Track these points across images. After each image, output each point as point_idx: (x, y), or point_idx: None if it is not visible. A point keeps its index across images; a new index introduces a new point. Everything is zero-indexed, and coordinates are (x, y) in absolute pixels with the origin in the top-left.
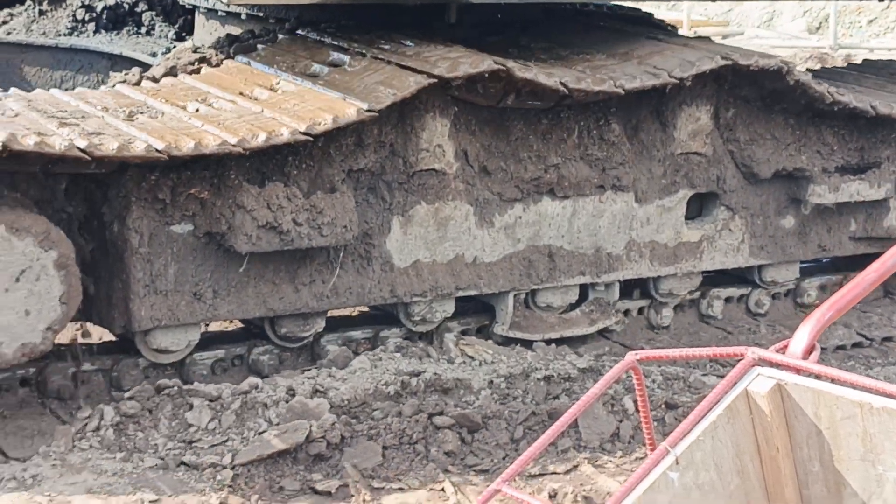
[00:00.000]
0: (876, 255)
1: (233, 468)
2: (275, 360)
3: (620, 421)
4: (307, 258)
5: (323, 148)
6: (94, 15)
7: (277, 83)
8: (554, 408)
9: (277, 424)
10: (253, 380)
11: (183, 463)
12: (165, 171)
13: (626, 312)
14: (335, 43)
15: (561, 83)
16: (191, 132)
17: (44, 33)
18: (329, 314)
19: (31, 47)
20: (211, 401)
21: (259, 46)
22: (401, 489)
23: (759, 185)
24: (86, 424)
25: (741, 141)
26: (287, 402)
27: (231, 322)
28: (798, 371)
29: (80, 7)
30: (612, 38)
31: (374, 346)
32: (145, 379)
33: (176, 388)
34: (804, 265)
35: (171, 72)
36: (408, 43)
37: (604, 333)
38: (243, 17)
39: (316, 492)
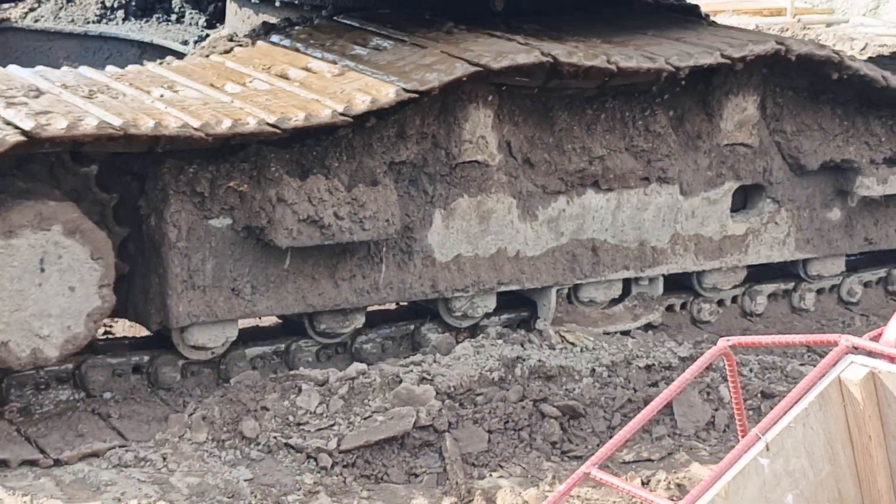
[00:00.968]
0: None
1: (339, 453)
2: (378, 349)
3: (716, 409)
4: (347, 253)
5: (364, 139)
6: (124, 2)
7: (309, 64)
8: (650, 395)
9: (384, 410)
10: (360, 366)
11: (288, 445)
12: (204, 164)
13: (720, 302)
14: (374, 30)
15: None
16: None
17: (72, 21)
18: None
19: (60, 35)
20: (319, 385)
21: (296, 28)
22: (500, 476)
23: (805, 177)
24: (195, 411)
25: (788, 132)
26: (393, 388)
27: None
28: (892, 359)
29: None
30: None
31: (474, 334)
32: (253, 369)
33: (283, 373)
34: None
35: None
36: (454, 31)
37: (698, 323)
38: (277, 4)
39: (414, 475)
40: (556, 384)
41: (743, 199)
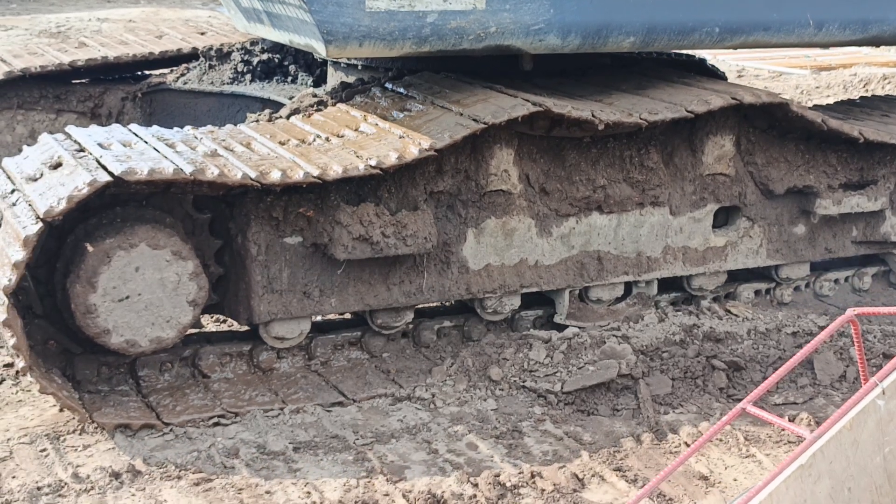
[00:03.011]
0: (875, 257)
1: (562, 393)
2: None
3: (847, 366)
4: (397, 263)
5: (409, 174)
6: (251, 67)
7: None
8: (795, 354)
9: (594, 362)
10: (574, 329)
11: (523, 387)
12: (279, 195)
13: (836, 280)
14: (408, 94)
15: (593, 115)
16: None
17: (212, 83)
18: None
19: (202, 94)
20: (545, 342)
21: (357, 97)
22: (680, 413)
23: (774, 200)
24: (452, 364)
25: (759, 164)
26: (600, 346)
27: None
28: None
29: (241, 62)
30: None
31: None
32: (487, 332)
33: (517, 333)
34: None
35: (295, 112)
36: (474, 91)
37: (820, 298)
38: (359, 67)
39: (616, 410)
40: (724, 345)
41: (725, 217)
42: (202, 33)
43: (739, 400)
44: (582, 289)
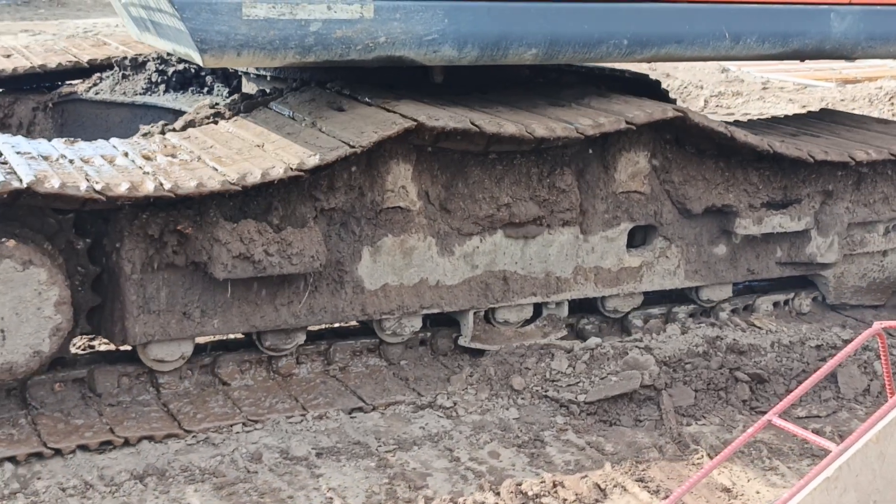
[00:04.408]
0: (800, 278)
1: (585, 403)
2: (596, 329)
3: (871, 380)
4: (285, 282)
5: (298, 190)
6: (166, 77)
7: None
8: (819, 367)
9: (617, 373)
10: (596, 339)
11: (546, 396)
12: (155, 210)
13: None
14: (292, 116)
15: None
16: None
17: (124, 93)
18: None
19: (115, 104)
20: (567, 352)
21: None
22: (703, 424)
23: (692, 219)
24: (472, 374)
25: (676, 182)
26: (623, 357)
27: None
28: None
29: (155, 71)
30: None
31: (668, 319)
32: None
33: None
34: None
35: (190, 124)
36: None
37: (837, 310)
38: (268, 77)
39: (639, 421)
40: (747, 357)
41: (642, 236)
42: (7, 56)
43: (763, 412)
44: (488, 310)
